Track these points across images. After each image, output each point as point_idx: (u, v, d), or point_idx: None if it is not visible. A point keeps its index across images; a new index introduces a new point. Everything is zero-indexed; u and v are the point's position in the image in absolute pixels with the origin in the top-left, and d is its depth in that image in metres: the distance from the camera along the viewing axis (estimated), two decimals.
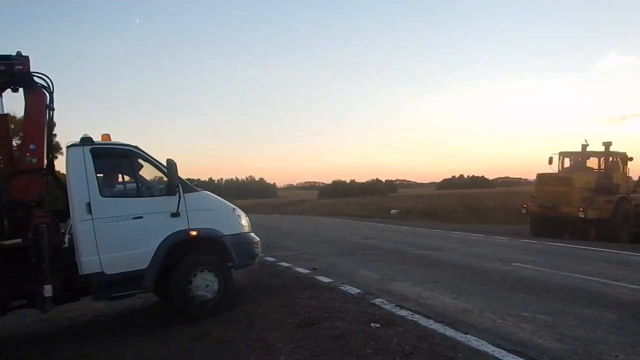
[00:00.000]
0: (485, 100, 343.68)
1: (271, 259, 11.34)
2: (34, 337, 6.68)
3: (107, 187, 6.68)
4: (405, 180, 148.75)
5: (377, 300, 6.75)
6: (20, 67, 6.46)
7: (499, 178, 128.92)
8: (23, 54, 6.50)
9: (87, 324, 7.32)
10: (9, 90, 6.62)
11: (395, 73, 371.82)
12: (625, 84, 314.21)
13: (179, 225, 6.65)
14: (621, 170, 18.53)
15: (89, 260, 6.09)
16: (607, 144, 18.06)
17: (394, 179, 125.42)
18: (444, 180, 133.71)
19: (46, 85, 6.61)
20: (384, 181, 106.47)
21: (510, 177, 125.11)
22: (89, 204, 6.19)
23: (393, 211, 33.71)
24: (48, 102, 6.63)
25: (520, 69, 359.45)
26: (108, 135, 6.79)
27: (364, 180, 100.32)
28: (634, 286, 7.49)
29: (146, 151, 6.80)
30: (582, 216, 16.16)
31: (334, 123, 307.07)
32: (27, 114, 6.56)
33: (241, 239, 7.27)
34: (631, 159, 18.81)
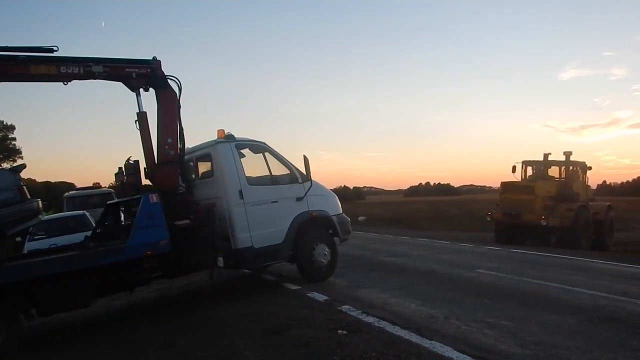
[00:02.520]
0: (451, 110, 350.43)
1: None
2: None
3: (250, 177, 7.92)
4: (373, 187, 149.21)
5: (344, 307, 6.76)
6: (158, 70, 7.19)
7: (464, 186, 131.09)
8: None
9: (50, 332, 7.12)
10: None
11: (362, 78, 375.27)
12: (583, 95, 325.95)
13: (302, 207, 8.36)
14: (581, 179, 19.05)
15: (243, 237, 7.52)
16: (568, 154, 18.51)
17: (361, 186, 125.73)
18: (411, 187, 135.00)
19: (177, 86, 7.35)
20: (351, 188, 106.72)
21: (475, 185, 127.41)
22: (240, 191, 7.60)
23: (360, 218, 33.83)
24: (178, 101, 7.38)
25: (485, 81, 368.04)
26: (223, 130, 7.75)
27: (331, 187, 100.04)
28: (591, 292, 7.73)
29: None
30: (544, 224, 16.51)
31: (302, 128, 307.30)
32: (163, 111, 7.25)
33: (342, 219, 9.16)
34: (590, 168, 19.40)
